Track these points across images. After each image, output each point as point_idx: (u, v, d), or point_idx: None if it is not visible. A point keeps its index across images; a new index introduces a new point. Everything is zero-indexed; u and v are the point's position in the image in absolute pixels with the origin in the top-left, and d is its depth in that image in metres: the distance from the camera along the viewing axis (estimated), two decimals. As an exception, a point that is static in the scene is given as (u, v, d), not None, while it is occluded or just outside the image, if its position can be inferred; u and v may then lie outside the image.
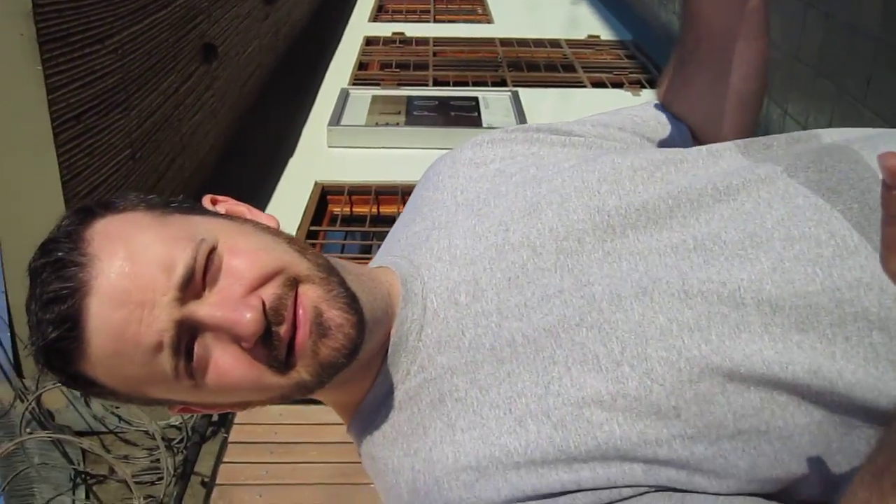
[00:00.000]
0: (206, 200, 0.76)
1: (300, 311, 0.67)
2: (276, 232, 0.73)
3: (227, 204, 0.76)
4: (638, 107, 0.96)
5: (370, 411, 0.75)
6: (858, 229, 0.67)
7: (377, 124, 4.92)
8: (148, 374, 0.65)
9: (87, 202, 0.69)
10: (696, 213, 0.70)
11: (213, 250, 0.66)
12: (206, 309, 0.65)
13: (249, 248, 0.68)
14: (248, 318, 0.64)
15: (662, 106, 0.96)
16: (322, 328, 0.67)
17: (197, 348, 0.66)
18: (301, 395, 0.72)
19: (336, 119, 4.94)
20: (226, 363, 0.66)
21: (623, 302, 0.66)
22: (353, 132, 4.82)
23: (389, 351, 0.73)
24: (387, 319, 0.73)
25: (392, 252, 0.81)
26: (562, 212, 0.73)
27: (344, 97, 5.27)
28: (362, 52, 6.66)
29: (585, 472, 0.64)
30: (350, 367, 0.69)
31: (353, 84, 5.82)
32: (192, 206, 0.73)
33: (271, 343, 0.66)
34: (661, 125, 0.93)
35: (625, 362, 0.64)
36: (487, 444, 0.67)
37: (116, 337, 0.63)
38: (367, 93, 5.45)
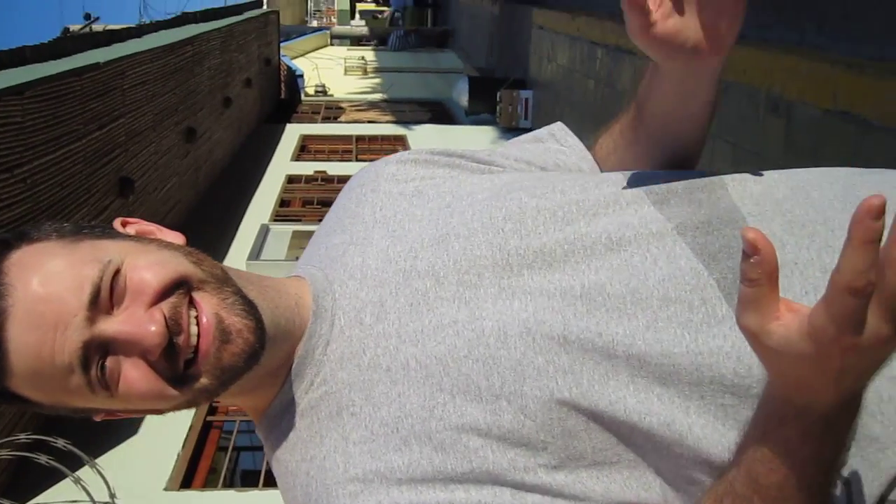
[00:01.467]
0: (117, 223, 0.80)
1: (203, 320, 0.71)
2: (176, 247, 0.77)
3: (136, 225, 0.81)
4: (558, 133, 1.05)
5: (275, 416, 0.80)
6: (728, 299, 0.73)
7: (297, 258, 4.88)
8: (66, 388, 0.70)
9: (4, 234, 0.74)
10: (588, 260, 0.74)
11: (118, 270, 0.71)
12: (113, 326, 0.70)
13: (149, 264, 0.72)
14: (151, 331, 0.69)
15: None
16: (224, 334, 0.72)
17: (109, 363, 0.71)
18: (206, 401, 0.77)
19: (255, 254, 4.89)
20: (133, 376, 0.71)
21: (508, 340, 0.72)
22: (272, 267, 4.76)
23: (296, 362, 0.78)
24: (294, 330, 0.78)
25: (311, 261, 0.86)
26: (467, 245, 0.78)
27: (264, 233, 5.24)
28: (284, 190, 6.68)
29: (460, 492, 0.70)
30: (252, 371, 0.73)
31: (274, 220, 5.80)
32: (103, 231, 0.77)
33: (174, 354, 0.71)
34: (583, 161, 1.01)
35: (503, 396, 0.70)
36: (375, 459, 0.72)
37: (34, 357, 0.69)
38: (287, 228, 5.43)
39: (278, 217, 5.97)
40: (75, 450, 2.89)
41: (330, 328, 0.78)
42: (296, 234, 5.29)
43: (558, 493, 0.70)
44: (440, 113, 11.57)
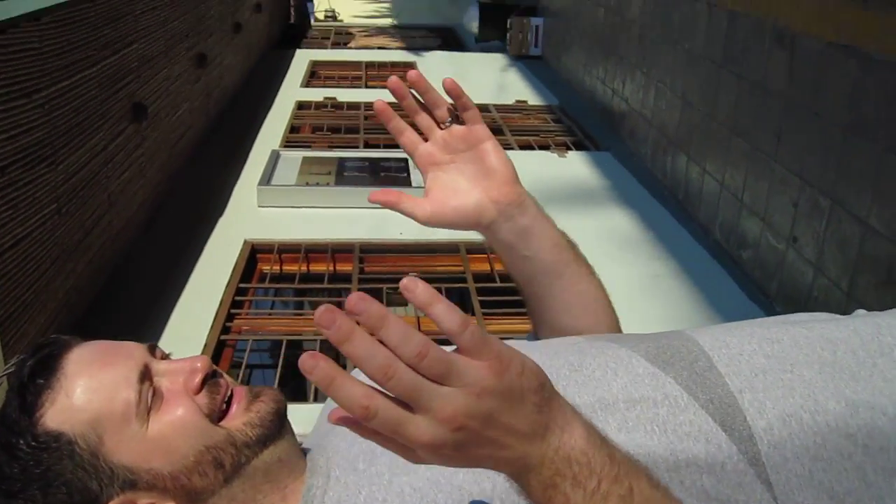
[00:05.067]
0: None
1: (237, 388, 0.90)
2: None
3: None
4: None
5: None
6: (688, 391, 0.83)
7: (307, 184, 4.96)
8: (111, 405, 0.85)
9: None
10: (556, 384, 0.76)
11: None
12: (163, 365, 0.90)
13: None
14: (196, 366, 0.88)
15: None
16: (253, 393, 0.89)
17: (158, 385, 0.88)
18: (230, 453, 0.87)
19: (266, 179, 4.97)
20: (175, 401, 0.86)
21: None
22: (282, 192, 4.85)
23: None
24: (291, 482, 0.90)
25: (307, 441, 0.99)
26: None
27: (275, 158, 5.30)
28: (294, 116, 6.72)
29: None
30: (278, 438, 0.88)
31: (285, 146, 5.86)
32: None
33: (213, 394, 0.88)
34: None
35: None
36: None
37: (89, 375, 0.87)
38: (297, 154, 5.49)
39: (288, 143, 6.02)
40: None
41: (326, 480, 0.86)
42: (306, 159, 5.35)
43: None
44: (450, 39, 11.49)
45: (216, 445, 0.86)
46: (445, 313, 0.56)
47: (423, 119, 0.98)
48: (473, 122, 0.97)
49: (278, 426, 0.89)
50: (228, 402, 0.89)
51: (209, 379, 0.89)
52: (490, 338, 0.59)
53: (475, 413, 0.57)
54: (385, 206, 0.95)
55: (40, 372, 0.85)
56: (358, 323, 0.55)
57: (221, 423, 0.88)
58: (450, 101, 0.97)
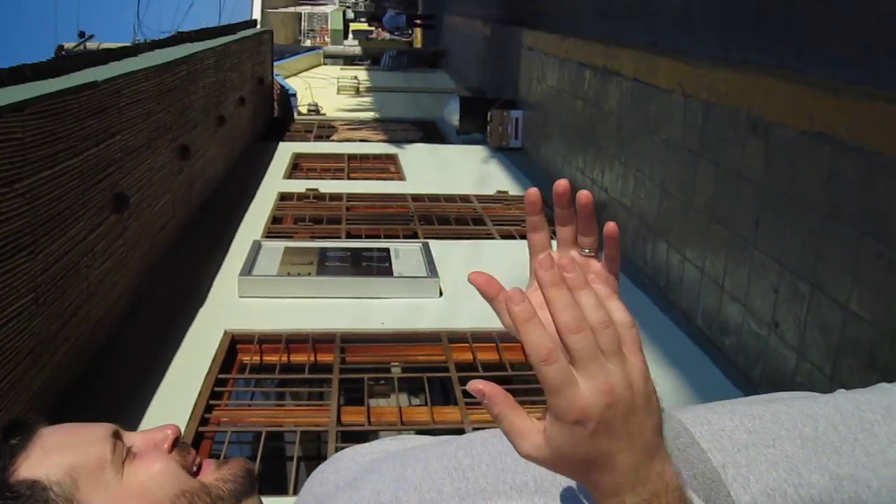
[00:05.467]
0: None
1: (205, 459, 0.93)
2: None
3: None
4: None
5: None
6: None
7: (289, 274, 4.95)
8: (85, 459, 0.85)
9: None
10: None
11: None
12: (134, 433, 0.92)
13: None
14: (167, 431, 0.91)
15: None
16: (222, 460, 0.93)
17: (129, 444, 0.90)
18: (204, 500, 0.89)
19: (248, 269, 4.95)
20: (150, 455, 0.88)
21: None
22: (263, 282, 4.83)
23: None
24: None
25: None
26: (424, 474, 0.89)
27: (256, 248, 5.30)
28: (276, 207, 6.75)
29: None
30: (251, 495, 0.92)
31: (266, 237, 5.87)
32: None
33: (184, 455, 0.91)
34: None
35: None
36: None
37: (67, 430, 0.90)
38: (279, 244, 5.49)
39: (270, 234, 6.04)
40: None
41: None
42: (287, 249, 5.35)
43: None
44: (431, 132, 11.67)
45: (191, 491, 0.88)
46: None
47: (567, 232, 0.86)
48: (611, 270, 0.85)
49: (250, 483, 0.92)
50: (199, 467, 0.92)
51: (178, 444, 0.93)
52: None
53: (625, 399, 0.61)
54: (482, 292, 0.78)
55: (14, 434, 0.86)
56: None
57: (196, 477, 0.90)
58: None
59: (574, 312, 0.60)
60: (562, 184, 0.81)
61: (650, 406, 0.63)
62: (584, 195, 0.81)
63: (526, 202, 0.83)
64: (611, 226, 0.80)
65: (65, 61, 4.27)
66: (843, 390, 1.06)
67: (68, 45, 17.02)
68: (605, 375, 0.60)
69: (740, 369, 3.84)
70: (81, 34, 17.65)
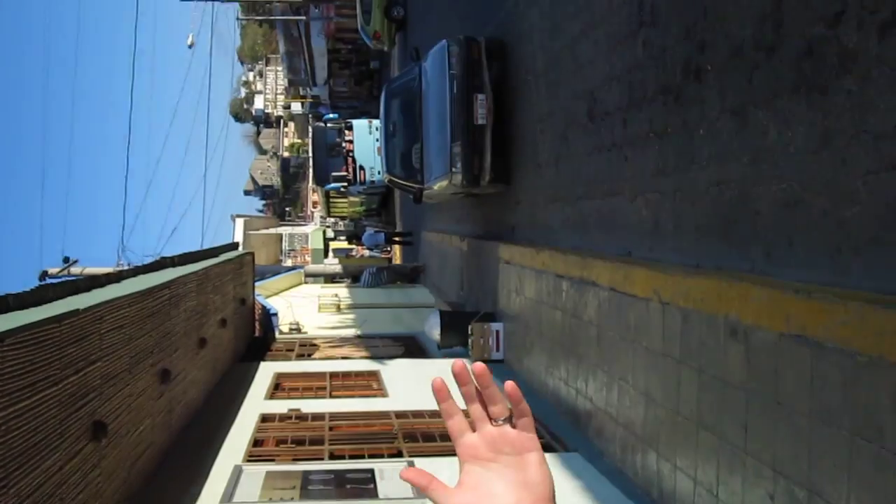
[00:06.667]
0: None
1: None
2: None
3: None
4: None
5: None
6: None
7: (270, 500, 4.80)
8: None
9: None
10: None
11: None
12: None
13: None
14: None
15: None
16: None
17: None
18: None
19: (228, 496, 4.80)
20: None
21: None
22: (245, 508, 4.67)
23: None
24: None
25: None
26: None
27: (237, 474, 5.17)
28: (258, 429, 6.63)
29: None
30: None
31: (248, 460, 5.73)
32: None
33: None
34: None
35: None
36: None
37: None
38: (261, 468, 5.36)
39: (252, 457, 5.90)
40: None
41: None
42: (269, 474, 5.22)
43: None
44: (413, 347, 11.69)
45: None
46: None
47: (477, 409, 0.98)
48: (526, 429, 0.97)
49: None
50: None
51: None
52: None
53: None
54: (415, 485, 0.96)
55: None
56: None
57: None
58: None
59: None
60: (458, 363, 0.91)
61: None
62: (477, 366, 0.92)
63: (433, 392, 0.92)
64: (509, 384, 0.94)
65: (48, 290, 4.31)
66: None
67: (52, 270, 17.26)
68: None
69: (744, 583, 3.68)
70: (66, 259, 17.96)
